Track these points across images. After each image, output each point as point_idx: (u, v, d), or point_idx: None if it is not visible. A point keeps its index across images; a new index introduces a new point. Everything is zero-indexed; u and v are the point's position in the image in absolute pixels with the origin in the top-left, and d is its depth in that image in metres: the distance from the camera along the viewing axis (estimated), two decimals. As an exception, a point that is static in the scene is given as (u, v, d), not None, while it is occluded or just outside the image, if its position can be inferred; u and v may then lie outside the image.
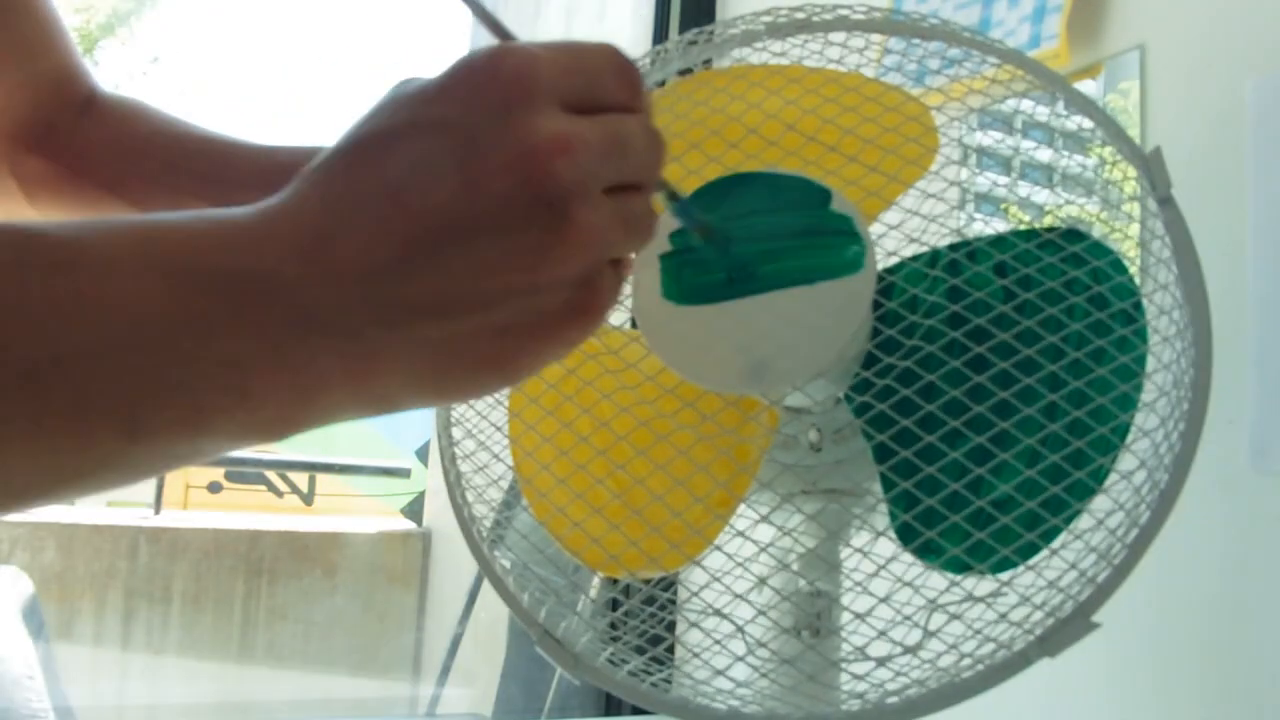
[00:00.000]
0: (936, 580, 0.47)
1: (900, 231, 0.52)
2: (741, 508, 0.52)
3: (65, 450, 0.27)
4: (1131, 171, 0.51)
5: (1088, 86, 0.86)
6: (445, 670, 2.14)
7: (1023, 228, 0.51)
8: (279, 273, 0.29)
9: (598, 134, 0.30)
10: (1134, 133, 0.80)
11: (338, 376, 0.30)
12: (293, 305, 0.29)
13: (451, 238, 0.29)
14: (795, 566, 0.52)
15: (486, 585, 0.56)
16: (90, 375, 0.27)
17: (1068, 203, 0.52)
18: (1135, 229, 0.52)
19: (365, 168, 0.30)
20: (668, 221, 0.49)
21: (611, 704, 1.29)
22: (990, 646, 0.47)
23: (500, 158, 0.29)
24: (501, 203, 0.29)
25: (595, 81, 0.31)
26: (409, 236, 0.29)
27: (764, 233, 0.46)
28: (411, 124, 0.30)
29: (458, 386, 0.32)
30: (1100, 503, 0.47)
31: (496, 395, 0.57)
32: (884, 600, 0.46)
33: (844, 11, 0.56)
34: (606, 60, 0.32)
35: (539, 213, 0.29)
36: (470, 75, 0.30)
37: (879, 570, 0.47)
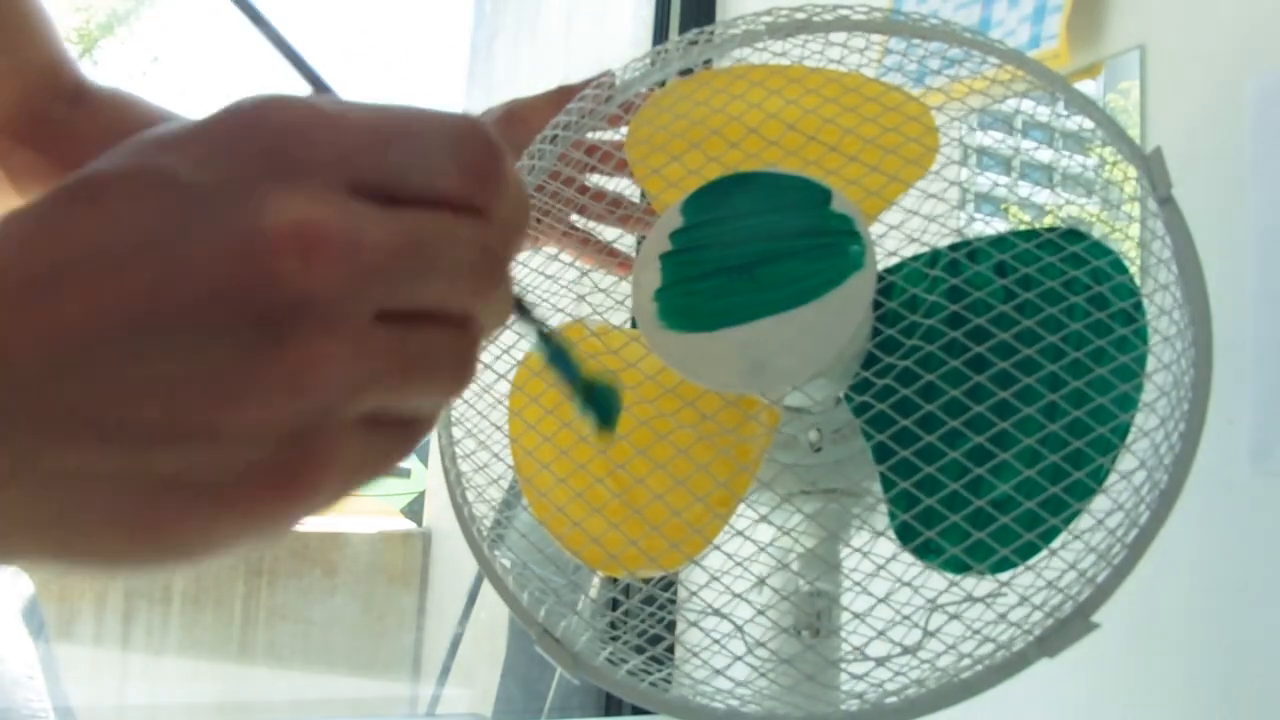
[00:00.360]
0: (936, 580, 0.47)
1: (901, 231, 0.52)
2: (741, 507, 0.52)
3: None
4: (1132, 171, 0.51)
5: (1088, 86, 0.86)
6: (445, 670, 2.14)
7: (1023, 228, 0.51)
8: None
9: (380, 233, 0.22)
10: (1134, 133, 0.80)
11: None
12: None
13: (126, 335, 0.21)
14: (795, 566, 0.52)
15: (486, 585, 0.56)
16: None
17: (1068, 203, 0.52)
18: (1136, 229, 0.52)
19: (65, 223, 0.22)
20: (668, 220, 0.49)
21: (611, 704, 1.29)
22: (989, 647, 0.47)
23: (217, 241, 0.21)
24: (200, 302, 0.21)
25: (418, 160, 0.23)
26: (72, 324, 0.21)
27: (764, 233, 0.46)
28: (137, 172, 0.22)
29: (87, 548, 0.22)
30: (1100, 503, 0.47)
31: (497, 395, 0.57)
32: (883, 600, 0.46)
33: (844, 12, 0.56)
34: (449, 135, 0.24)
35: (244, 328, 0.21)
36: (229, 124, 0.23)
37: (878, 570, 0.47)
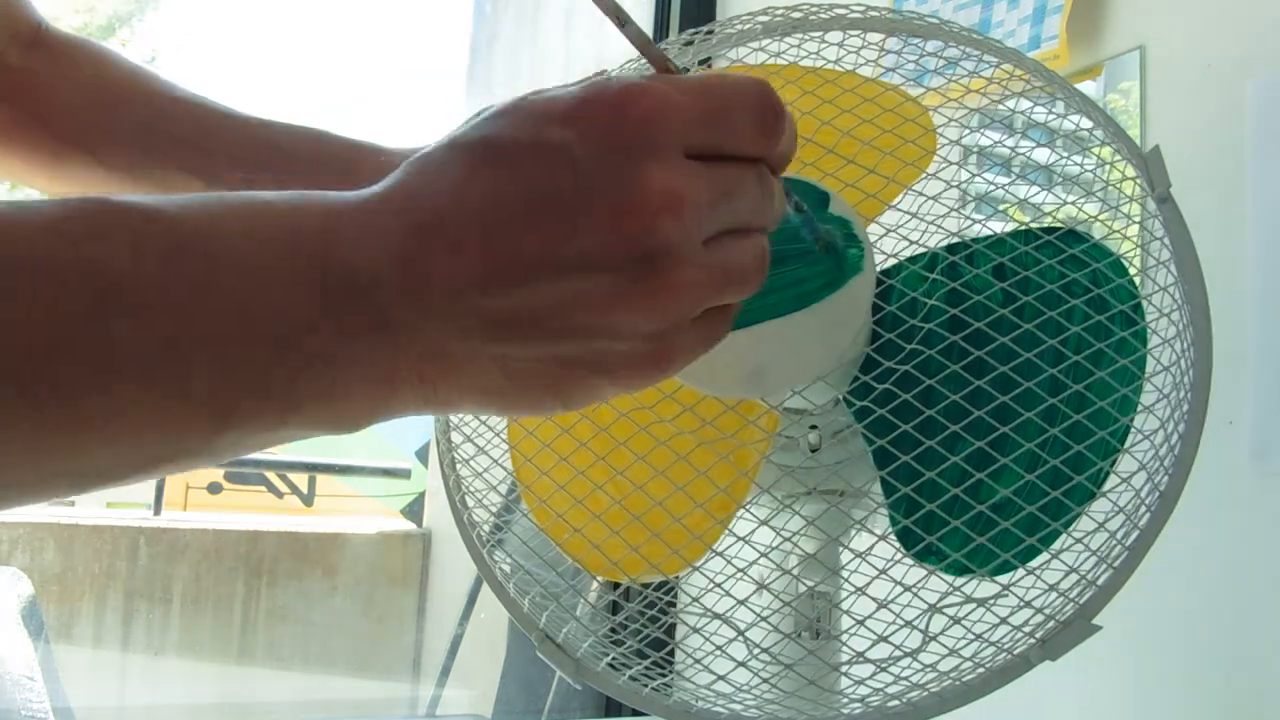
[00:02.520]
0: (936, 583, 0.47)
1: (899, 234, 0.52)
2: (740, 510, 0.51)
3: (152, 436, 0.28)
4: (1130, 171, 0.51)
5: (1088, 87, 0.86)
6: (445, 671, 2.14)
7: (1022, 229, 0.51)
8: (374, 276, 0.29)
9: (710, 189, 0.30)
10: (1134, 133, 0.80)
11: (412, 382, 0.30)
12: (382, 313, 0.29)
13: (543, 268, 0.29)
14: (794, 569, 0.52)
15: (487, 586, 0.56)
16: (194, 363, 0.27)
17: (1067, 203, 0.52)
18: (1135, 230, 0.51)
19: (478, 177, 0.30)
20: None
21: (611, 706, 1.29)
22: (991, 650, 0.47)
23: (608, 202, 0.29)
24: (599, 246, 0.29)
25: (731, 132, 0.31)
26: (504, 258, 0.29)
27: None
28: (534, 143, 0.30)
29: (516, 404, 0.32)
30: (1100, 505, 0.47)
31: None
32: (885, 605, 0.46)
33: (841, 11, 0.55)
34: (752, 107, 0.32)
35: (632, 265, 0.29)
36: (598, 108, 0.30)
37: (880, 574, 0.47)
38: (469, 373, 0.31)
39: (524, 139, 0.30)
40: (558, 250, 0.29)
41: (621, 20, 0.32)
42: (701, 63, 0.60)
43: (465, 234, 0.29)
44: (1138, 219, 0.50)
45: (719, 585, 0.48)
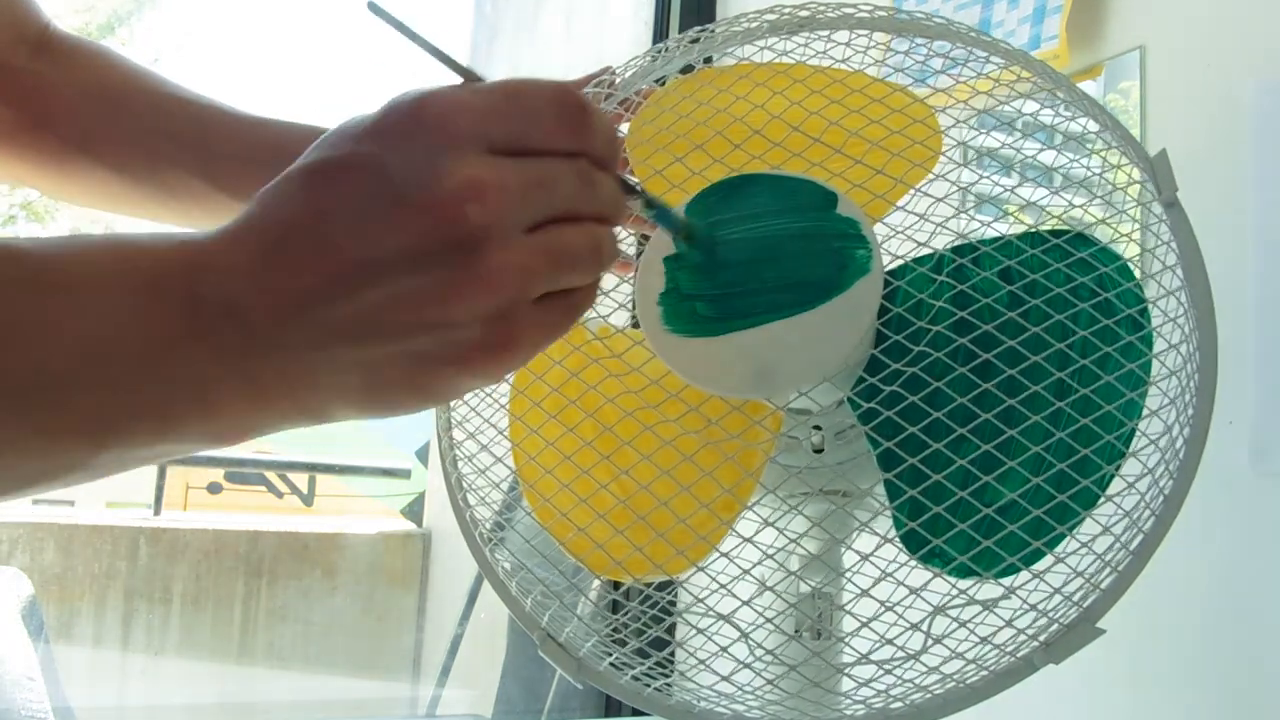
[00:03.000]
0: (940, 585, 0.47)
1: (905, 235, 0.52)
2: (743, 510, 0.51)
3: (33, 460, 0.30)
4: (1137, 174, 0.51)
5: (1088, 87, 0.86)
6: (445, 671, 2.14)
7: (1028, 232, 0.51)
8: (234, 298, 0.31)
9: (518, 178, 0.32)
10: (1134, 133, 0.80)
11: (281, 391, 0.32)
12: (244, 328, 0.31)
13: (370, 271, 0.31)
14: (797, 568, 0.52)
15: (486, 586, 0.56)
16: (70, 390, 0.29)
17: (1072, 206, 0.52)
18: (1142, 234, 0.51)
19: (306, 199, 0.32)
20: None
21: (611, 705, 1.29)
22: (994, 652, 0.47)
23: (417, 200, 0.31)
24: (416, 242, 0.31)
25: (530, 125, 0.33)
26: (335, 267, 0.31)
27: (769, 236, 0.46)
28: (347, 158, 0.32)
29: (382, 405, 0.34)
30: (1105, 509, 0.47)
31: (498, 399, 0.57)
32: (890, 607, 0.46)
33: (848, 10, 0.55)
34: (547, 103, 0.34)
35: (448, 253, 0.31)
36: (397, 116, 0.32)
37: (884, 576, 0.47)
38: (331, 381, 0.33)
39: (338, 157, 0.32)
40: (380, 251, 0.31)
41: (413, 36, 0.35)
42: (706, 61, 0.60)
43: (302, 250, 0.31)
44: (1144, 223, 0.50)
45: (724, 586, 0.48)
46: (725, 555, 0.50)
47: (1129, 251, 0.51)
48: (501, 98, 0.33)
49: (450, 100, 0.32)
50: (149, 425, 0.31)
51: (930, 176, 0.53)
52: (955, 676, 0.47)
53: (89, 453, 0.30)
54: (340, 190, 0.32)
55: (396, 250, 0.31)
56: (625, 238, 0.68)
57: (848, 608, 0.49)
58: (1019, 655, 0.46)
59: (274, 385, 0.32)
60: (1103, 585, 0.46)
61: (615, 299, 0.57)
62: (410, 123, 0.32)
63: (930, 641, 0.46)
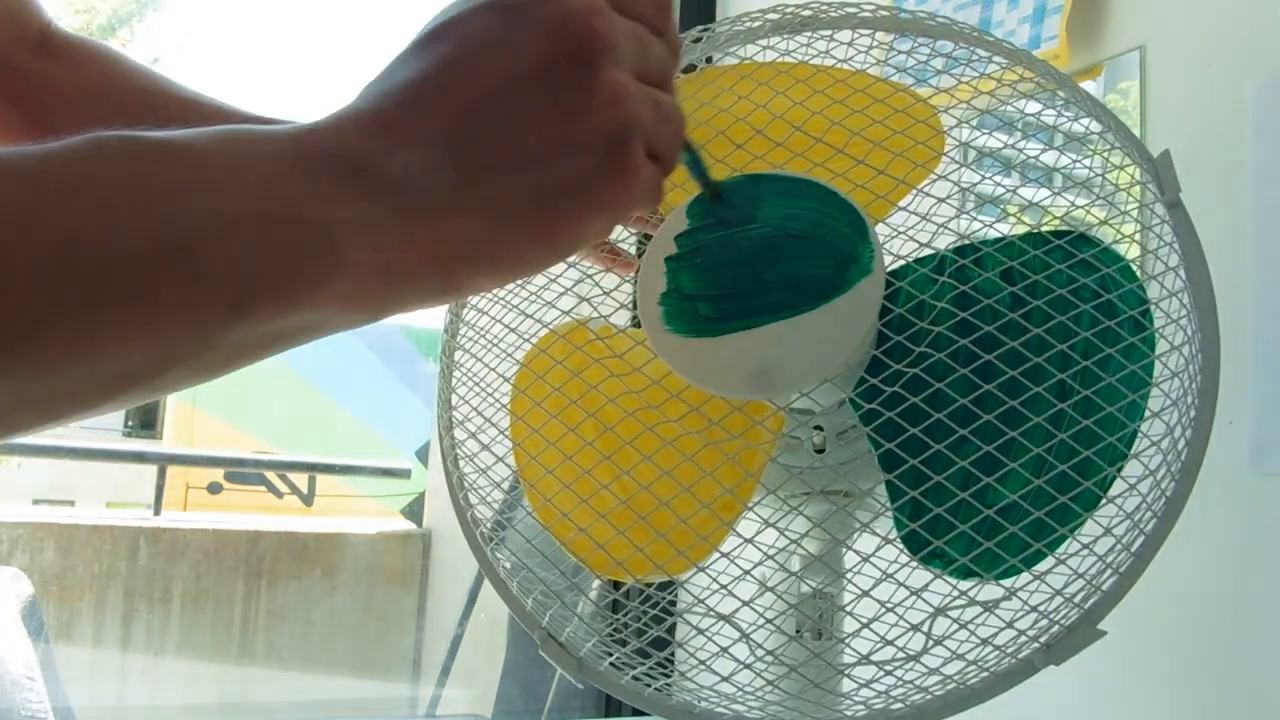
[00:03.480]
0: (941, 586, 0.47)
1: (907, 235, 0.52)
2: (744, 510, 0.51)
3: (169, 333, 0.29)
4: (1139, 175, 0.51)
5: (1088, 87, 0.86)
6: (445, 671, 2.14)
7: (1031, 232, 0.50)
8: (363, 149, 0.31)
9: (624, 25, 0.34)
10: (1133, 134, 0.80)
11: (408, 245, 0.32)
12: (378, 175, 0.31)
13: (503, 94, 0.32)
14: (797, 568, 0.52)
15: (486, 586, 0.56)
16: (203, 254, 0.28)
17: (1076, 207, 0.52)
18: (1143, 234, 0.51)
19: (432, 49, 0.33)
20: (674, 222, 0.49)
21: (611, 705, 1.29)
22: (996, 654, 0.47)
23: (543, 20, 0.32)
24: (543, 59, 0.32)
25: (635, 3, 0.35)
26: (465, 102, 0.32)
27: (769, 235, 0.46)
28: (474, 9, 0.33)
29: (509, 253, 0.34)
30: (1106, 510, 0.47)
31: (499, 399, 0.57)
32: (891, 608, 0.46)
33: (851, 9, 0.55)
34: None
35: (574, 68, 0.32)
36: None
37: (885, 577, 0.47)
38: (458, 228, 0.32)
39: (463, 11, 0.33)
40: (509, 75, 0.32)
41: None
42: (707, 60, 0.60)
43: (427, 96, 0.32)
44: (1147, 224, 0.50)
45: (725, 587, 0.48)
46: (726, 556, 0.50)
47: (1131, 252, 0.51)
48: None
49: None
50: (279, 287, 0.30)
51: (932, 177, 0.53)
52: (956, 678, 0.47)
53: (223, 325, 0.29)
54: (465, 31, 0.33)
55: (526, 69, 0.32)
56: (626, 237, 0.68)
57: (848, 608, 0.49)
58: (1020, 657, 0.46)
59: (400, 240, 0.32)
60: (1104, 587, 0.46)
61: (617, 299, 0.57)
62: None
63: (931, 643, 0.46)
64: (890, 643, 0.46)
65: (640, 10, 0.35)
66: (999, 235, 0.52)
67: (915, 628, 0.45)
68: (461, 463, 0.57)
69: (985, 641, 0.46)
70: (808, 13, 0.55)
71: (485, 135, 0.32)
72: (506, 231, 0.33)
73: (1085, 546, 0.46)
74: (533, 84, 0.32)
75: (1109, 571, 0.46)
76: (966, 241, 0.51)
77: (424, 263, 0.32)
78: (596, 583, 0.58)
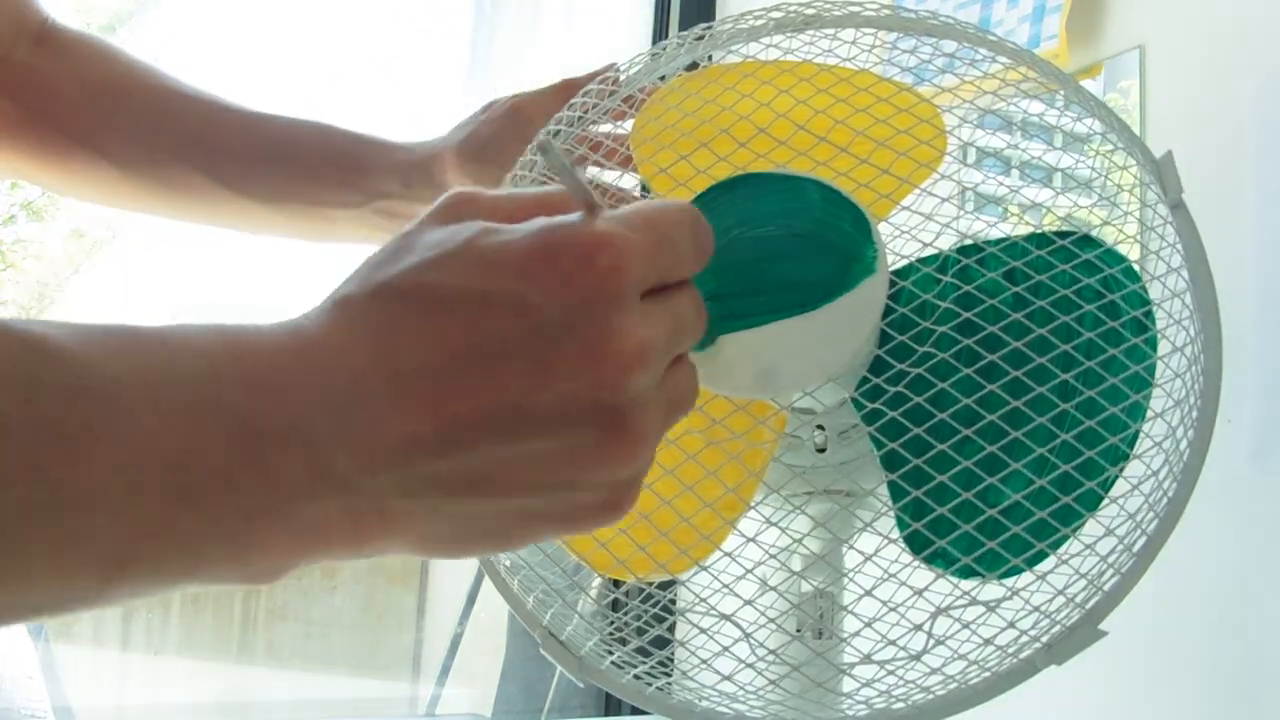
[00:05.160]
0: (942, 586, 0.47)
1: (910, 235, 0.52)
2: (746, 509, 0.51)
3: (38, 586, 0.25)
4: (1142, 176, 0.51)
5: (1087, 86, 0.86)
6: (445, 670, 2.13)
7: (1034, 232, 0.51)
8: (307, 426, 0.26)
9: (665, 328, 0.30)
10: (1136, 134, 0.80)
11: (343, 536, 0.28)
12: (314, 463, 0.26)
13: (504, 425, 0.27)
14: (798, 567, 0.52)
15: (486, 585, 0.56)
16: (89, 512, 0.24)
17: (1079, 208, 0.52)
18: (1146, 235, 0.52)
19: (424, 327, 0.27)
20: None
21: (611, 704, 1.29)
22: (997, 654, 0.47)
23: (576, 357, 0.28)
24: (566, 401, 0.28)
25: (676, 262, 0.31)
26: (461, 415, 0.27)
27: (773, 234, 0.46)
28: (486, 294, 0.28)
29: (458, 552, 0.30)
30: (1108, 511, 0.47)
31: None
32: (894, 608, 0.46)
33: (854, 8, 0.55)
34: (688, 232, 0.32)
35: (601, 416, 0.28)
36: (559, 260, 0.28)
37: (887, 577, 0.47)
38: (412, 528, 0.29)
39: (473, 290, 0.28)
40: (518, 406, 0.27)
41: (562, 170, 0.31)
42: (708, 58, 0.60)
43: (412, 389, 0.27)
44: (1150, 225, 0.50)
45: (727, 586, 0.48)
46: (729, 555, 0.50)
47: (1134, 253, 0.51)
48: (654, 233, 0.30)
49: (620, 245, 0.29)
50: (170, 562, 0.26)
51: (935, 176, 0.53)
52: (958, 677, 0.47)
53: (99, 585, 0.25)
54: (476, 328, 0.27)
55: (542, 405, 0.27)
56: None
57: (850, 608, 0.49)
58: (1021, 656, 0.46)
59: (334, 531, 0.27)
60: (1105, 587, 0.46)
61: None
62: (575, 266, 0.28)
63: (932, 642, 0.46)
64: (892, 642, 0.46)
65: (682, 273, 0.32)
66: (1002, 235, 0.52)
67: (918, 627, 0.45)
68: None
69: (987, 641, 0.46)
70: (811, 11, 0.55)
71: (481, 457, 0.28)
72: (470, 537, 0.30)
73: (1087, 547, 0.46)
74: (545, 421, 0.28)
75: (1111, 571, 0.46)
76: (969, 241, 0.51)
77: (355, 549, 0.28)
78: (597, 581, 0.58)
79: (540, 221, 0.29)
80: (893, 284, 0.49)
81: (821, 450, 0.53)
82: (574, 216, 0.30)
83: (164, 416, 0.25)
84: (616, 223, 0.30)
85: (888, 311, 0.48)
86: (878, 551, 0.47)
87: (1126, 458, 0.47)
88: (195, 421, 0.25)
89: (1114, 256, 0.49)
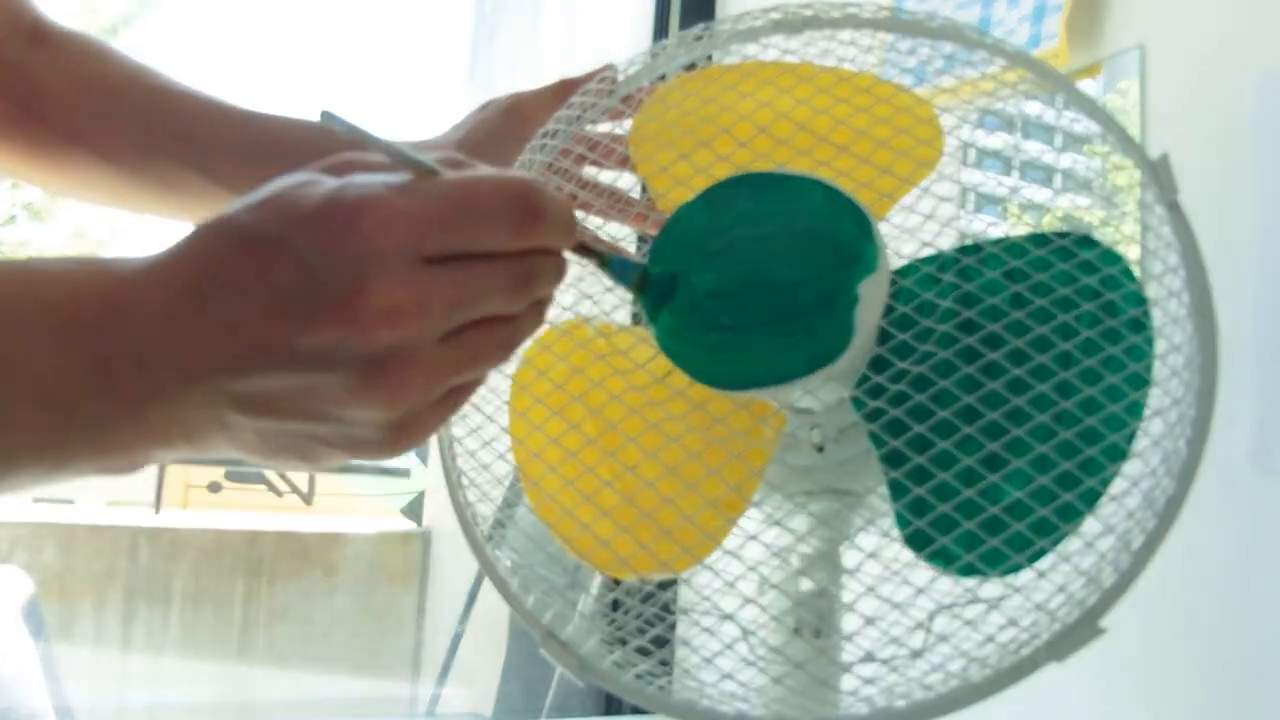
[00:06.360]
0: (942, 584, 0.47)
1: (909, 234, 0.52)
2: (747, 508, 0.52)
3: None
4: (1139, 177, 0.51)
5: (1087, 86, 0.86)
6: (445, 670, 2.14)
7: (1034, 233, 0.51)
8: (145, 351, 0.32)
9: (442, 297, 0.32)
10: (1133, 133, 0.80)
11: (177, 435, 0.33)
12: (151, 379, 0.32)
13: (278, 359, 0.32)
14: (798, 566, 0.52)
15: (486, 585, 0.56)
16: None
17: (1075, 207, 0.52)
18: (1144, 236, 0.52)
19: (235, 264, 0.32)
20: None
21: (612, 703, 1.29)
22: (998, 651, 0.47)
23: (333, 310, 0.31)
24: (326, 346, 0.31)
25: (477, 232, 0.33)
26: (247, 347, 0.32)
27: (773, 233, 0.46)
28: (280, 239, 0.32)
29: (273, 461, 0.35)
30: (1108, 508, 0.47)
31: (500, 395, 0.57)
32: (896, 606, 0.46)
33: (853, 10, 0.55)
34: (502, 206, 0.33)
35: (358, 365, 0.32)
36: (335, 216, 0.32)
37: (890, 576, 0.47)
38: (228, 437, 0.34)
39: (273, 234, 0.32)
40: (291, 345, 0.31)
41: (367, 137, 0.34)
42: (707, 58, 0.60)
43: (218, 317, 0.32)
44: (1147, 225, 0.51)
45: (729, 584, 0.48)
46: (731, 553, 0.50)
47: (1131, 253, 0.51)
48: (452, 204, 0.33)
49: (391, 209, 0.32)
50: (45, 461, 0.32)
51: (934, 176, 0.53)
52: (959, 674, 0.47)
53: None
54: (267, 270, 0.32)
55: (307, 350, 0.31)
56: (625, 237, 0.68)
57: (851, 605, 0.49)
58: (1022, 654, 0.46)
59: (173, 431, 0.33)
60: (1105, 584, 0.46)
61: (619, 295, 0.57)
62: (344, 228, 0.32)
63: (934, 640, 0.46)
64: (893, 639, 0.46)
65: (492, 246, 0.34)
66: (1002, 235, 0.52)
67: (918, 625, 0.46)
68: (460, 459, 0.57)
69: (988, 639, 0.46)
70: (809, 12, 0.56)
71: (262, 383, 0.32)
72: (274, 449, 0.34)
73: (1087, 544, 0.46)
74: (310, 361, 0.32)
75: (1110, 569, 0.46)
76: (969, 241, 0.51)
77: (192, 446, 0.34)
78: (598, 580, 0.58)
79: (349, 179, 0.33)
80: (893, 283, 0.49)
81: (820, 449, 0.53)
82: (393, 177, 0.33)
83: (28, 339, 0.31)
84: (416, 189, 0.33)
85: (888, 310, 0.48)
86: (878, 550, 0.47)
87: (1125, 455, 0.47)
88: (60, 340, 0.31)
89: (1112, 256, 0.49)
